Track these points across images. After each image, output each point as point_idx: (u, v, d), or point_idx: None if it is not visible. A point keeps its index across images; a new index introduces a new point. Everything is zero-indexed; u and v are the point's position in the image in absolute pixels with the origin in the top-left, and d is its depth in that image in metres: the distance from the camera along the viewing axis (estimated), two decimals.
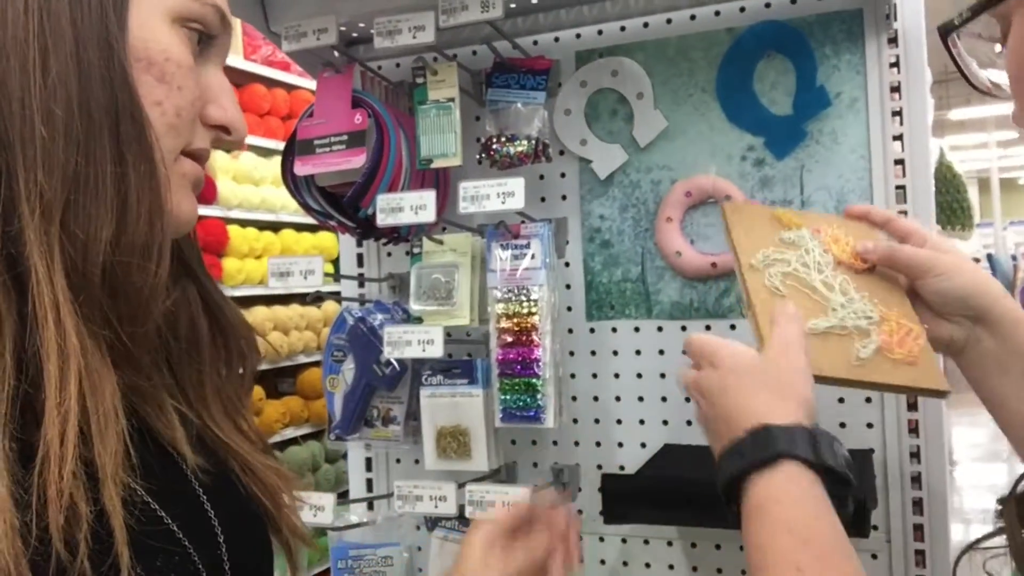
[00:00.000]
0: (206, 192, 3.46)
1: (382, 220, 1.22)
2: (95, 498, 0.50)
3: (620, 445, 1.36)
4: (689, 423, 1.32)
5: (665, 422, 1.33)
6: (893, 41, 1.21)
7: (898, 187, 1.20)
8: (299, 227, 4.01)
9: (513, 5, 1.33)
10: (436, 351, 1.20)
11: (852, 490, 0.71)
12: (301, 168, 1.30)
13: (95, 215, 0.54)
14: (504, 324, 1.23)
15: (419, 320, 1.28)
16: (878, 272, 0.91)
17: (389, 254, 1.51)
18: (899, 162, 1.19)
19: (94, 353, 0.53)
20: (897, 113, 1.20)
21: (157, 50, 0.58)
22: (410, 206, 1.20)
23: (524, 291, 1.23)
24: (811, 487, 0.68)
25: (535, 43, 1.39)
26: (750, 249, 0.88)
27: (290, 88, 4.10)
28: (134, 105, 0.56)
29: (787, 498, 0.67)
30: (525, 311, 1.23)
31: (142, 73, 0.57)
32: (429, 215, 1.20)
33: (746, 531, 0.69)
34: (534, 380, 1.22)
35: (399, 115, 1.33)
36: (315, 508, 1.26)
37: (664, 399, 1.33)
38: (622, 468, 1.35)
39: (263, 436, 0.72)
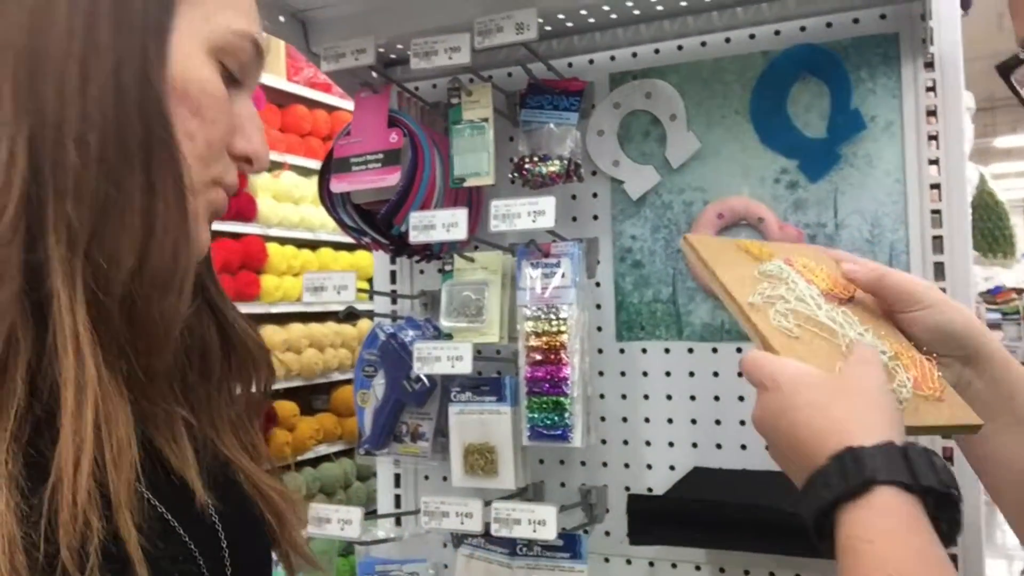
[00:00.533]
0: (246, 209, 3.52)
1: (414, 237, 1.23)
2: (107, 515, 0.50)
3: (649, 467, 1.35)
4: (719, 446, 1.31)
5: (695, 445, 1.32)
6: (930, 65, 1.20)
7: (934, 211, 1.19)
8: (337, 246, 4.07)
9: (548, 28, 1.34)
10: (465, 367, 1.21)
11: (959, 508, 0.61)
12: (337, 185, 1.33)
13: (120, 245, 0.54)
14: (533, 342, 1.24)
15: (449, 337, 1.29)
16: (858, 301, 0.82)
17: (422, 271, 1.53)
18: (935, 186, 1.18)
19: (110, 383, 0.53)
20: (933, 137, 1.19)
21: (194, 82, 0.58)
22: (442, 224, 1.22)
23: (553, 310, 1.23)
24: (909, 517, 0.59)
25: (569, 65, 1.41)
26: (740, 285, 0.79)
27: (331, 109, 4.18)
28: (168, 136, 0.56)
29: (880, 535, 0.58)
30: (554, 330, 1.23)
31: (177, 104, 0.57)
32: (461, 233, 1.21)
33: (839, 571, 0.60)
34: (562, 399, 1.22)
35: (434, 135, 1.35)
36: (343, 522, 1.26)
37: (694, 421, 1.32)
38: (650, 490, 1.34)
39: (271, 458, 0.71)
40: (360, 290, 1.32)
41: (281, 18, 1.36)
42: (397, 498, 1.53)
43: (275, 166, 3.82)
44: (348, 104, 1.46)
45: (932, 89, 1.19)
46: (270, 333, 3.65)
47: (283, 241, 3.78)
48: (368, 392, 1.39)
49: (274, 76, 3.82)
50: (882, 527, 0.58)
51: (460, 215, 1.22)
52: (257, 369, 0.71)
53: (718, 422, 1.31)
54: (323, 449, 3.92)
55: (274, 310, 3.66)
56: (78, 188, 0.53)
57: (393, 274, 1.55)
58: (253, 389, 0.71)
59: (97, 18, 0.55)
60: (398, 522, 1.47)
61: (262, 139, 0.65)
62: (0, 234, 0.52)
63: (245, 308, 3.88)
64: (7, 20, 0.54)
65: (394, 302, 1.54)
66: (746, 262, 0.84)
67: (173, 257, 0.56)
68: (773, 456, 0.70)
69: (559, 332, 1.23)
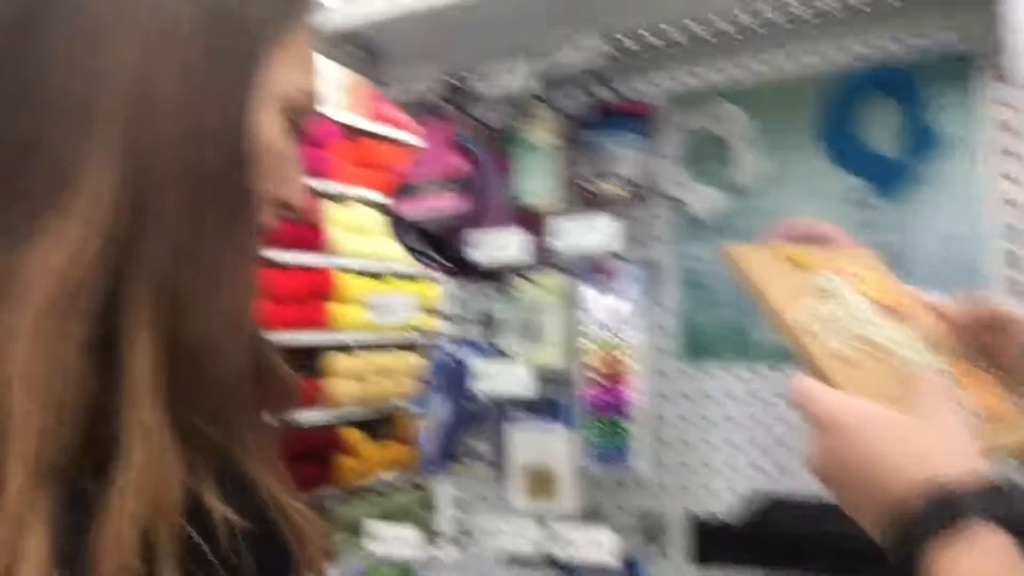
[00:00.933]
0: (313, 240, 3.61)
1: (477, 259, 1.24)
2: (150, 562, 0.50)
3: (710, 491, 1.32)
4: (784, 471, 1.27)
5: (759, 469, 1.29)
6: (1004, 81, 1.16)
7: (1011, 229, 1.15)
8: (402, 276, 4.12)
9: (611, 51, 1.35)
10: (524, 389, 1.21)
11: None
12: (402, 209, 1.35)
13: (196, 292, 0.54)
14: (593, 364, 1.23)
15: (509, 358, 1.29)
16: (908, 309, 0.77)
17: (484, 294, 1.53)
18: (1011, 203, 1.14)
19: (166, 428, 0.53)
20: (1009, 154, 1.15)
21: (262, 137, 0.59)
22: (504, 246, 1.23)
23: (615, 331, 1.23)
24: (1005, 556, 0.56)
25: (634, 88, 1.41)
26: (787, 303, 0.73)
27: (403, 144, 4.27)
28: (251, 188, 0.58)
29: (977, 574, 0.56)
30: (616, 351, 1.22)
31: None
32: (522, 255, 1.21)
33: None
34: (622, 421, 1.20)
35: (497, 159, 1.37)
36: (400, 540, 1.27)
37: (758, 446, 1.29)
38: (712, 515, 1.30)
39: (292, 484, 0.69)
40: (423, 310, 1.33)
41: (349, 47, 1.40)
42: (455, 520, 1.52)
43: (346, 199, 3.91)
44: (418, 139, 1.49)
45: (1007, 105, 1.16)
46: (337, 361, 3.71)
47: (352, 271, 3.85)
48: (429, 414, 1.39)
49: (348, 112, 3.93)
50: (979, 566, 0.56)
51: (522, 237, 1.22)
52: (284, 397, 0.70)
53: (783, 447, 1.27)
54: (388, 478, 3.94)
55: (342, 338, 3.72)
56: (169, 233, 0.54)
57: (455, 297, 1.56)
58: (276, 414, 0.70)
59: (206, 64, 0.56)
60: (456, 543, 1.46)
61: (303, 186, 0.65)
62: (92, 274, 0.52)
63: (314, 336, 3.90)
64: (118, 55, 0.55)
65: (456, 324, 1.55)
66: (792, 274, 0.79)
67: (242, 306, 0.57)
68: (836, 497, 0.66)
69: (620, 354, 1.22)
